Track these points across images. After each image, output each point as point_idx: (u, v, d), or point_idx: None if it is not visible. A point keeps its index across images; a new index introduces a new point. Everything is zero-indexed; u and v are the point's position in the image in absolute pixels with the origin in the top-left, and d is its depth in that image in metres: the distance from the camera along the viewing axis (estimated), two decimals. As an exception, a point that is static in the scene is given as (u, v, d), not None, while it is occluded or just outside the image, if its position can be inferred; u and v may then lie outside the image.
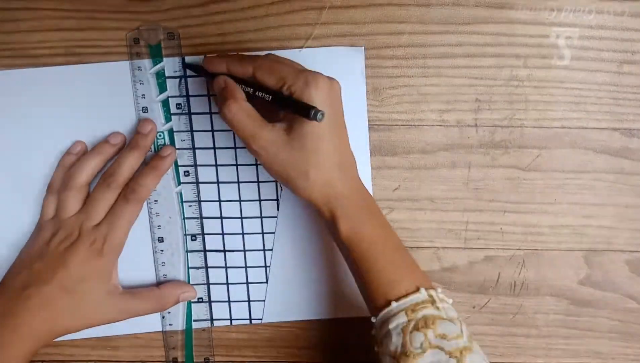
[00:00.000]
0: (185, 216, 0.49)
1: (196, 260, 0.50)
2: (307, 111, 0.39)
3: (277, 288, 0.50)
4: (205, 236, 0.50)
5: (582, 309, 0.51)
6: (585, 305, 0.50)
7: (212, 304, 0.51)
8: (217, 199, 0.49)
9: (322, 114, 0.39)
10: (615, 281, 0.50)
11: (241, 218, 0.49)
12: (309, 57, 0.47)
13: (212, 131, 0.48)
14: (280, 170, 0.42)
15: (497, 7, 0.47)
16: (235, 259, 0.50)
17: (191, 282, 0.50)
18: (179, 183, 0.49)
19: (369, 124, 0.48)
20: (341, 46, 0.47)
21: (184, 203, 0.49)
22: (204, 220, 0.50)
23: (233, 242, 0.50)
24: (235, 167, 0.49)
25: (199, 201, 0.49)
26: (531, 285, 0.50)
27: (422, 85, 0.48)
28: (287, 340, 0.51)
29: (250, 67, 0.42)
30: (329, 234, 0.47)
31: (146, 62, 0.47)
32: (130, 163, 0.47)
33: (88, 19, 0.47)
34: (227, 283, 0.50)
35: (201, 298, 0.51)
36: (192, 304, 0.51)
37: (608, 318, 0.51)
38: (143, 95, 0.48)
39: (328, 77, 0.42)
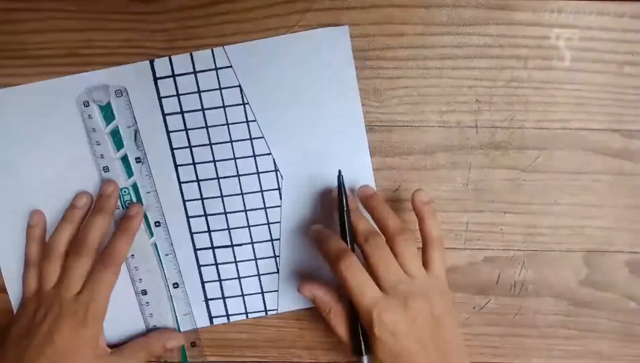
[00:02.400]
0: (164, 266, 0.50)
1: (182, 306, 0.51)
2: None
3: (289, 276, 0.50)
4: (212, 232, 0.50)
5: (582, 310, 0.51)
6: (585, 305, 0.51)
7: (227, 300, 0.51)
8: (219, 195, 0.49)
9: None
10: (615, 282, 0.50)
11: (245, 211, 0.50)
12: (293, 44, 0.47)
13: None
14: None
15: (497, 8, 0.47)
16: (244, 252, 0.50)
17: (181, 328, 0.51)
18: (152, 235, 0.50)
19: (369, 125, 0.48)
20: (324, 27, 0.47)
21: (161, 256, 0.50)
22: (209, 217, 0.50)
23: (240, 236, 0.50)
24: (233, 161, 0.49)
25: (175, 255, 0.50)
26: (531, 286, 0.50)
27: (422, 86, 0.48)
28: (289, 340, 0.51)
29: None
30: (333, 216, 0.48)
31: (100, 123, 0.48)
32: (98, 227, 0.47)
33: (89, 20, 0.47)
34: (239, 277, 0.51)
35: (194, 342, 0.51)
36: (186, 348, 0.51)
37: (608, 318, 0.51)
38: (102, 155, 0.48)
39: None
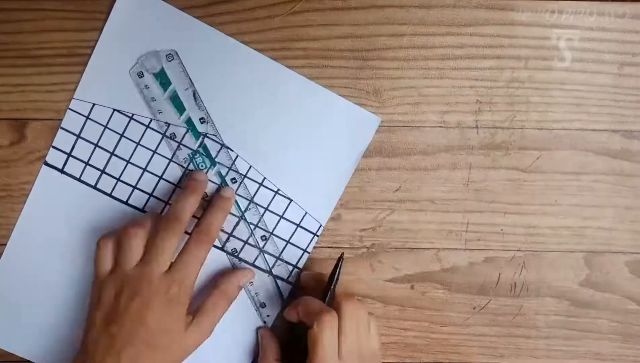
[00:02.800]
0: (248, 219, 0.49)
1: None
2: None
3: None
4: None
5: (582, 310, 0.51)
6: (586, 306, 0.51)
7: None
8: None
9: None
10: (615, 283, 0.50)
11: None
12: (326, 101, 0.48)
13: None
14: None
15: (498, 8, 0.47)
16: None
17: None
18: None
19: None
20: (362, 107, 0.48)
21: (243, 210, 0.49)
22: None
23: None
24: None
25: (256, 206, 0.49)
26: (531, 286, 0.50)
27: (423, 86, 0.48)
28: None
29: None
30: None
31: (157, 91, 0.47)
32: (190, 207, 0.46)
33: (90, 20, 0.47)
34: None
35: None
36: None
37: (608, 319, 0.51)
38: (166, 123, 0.48)
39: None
